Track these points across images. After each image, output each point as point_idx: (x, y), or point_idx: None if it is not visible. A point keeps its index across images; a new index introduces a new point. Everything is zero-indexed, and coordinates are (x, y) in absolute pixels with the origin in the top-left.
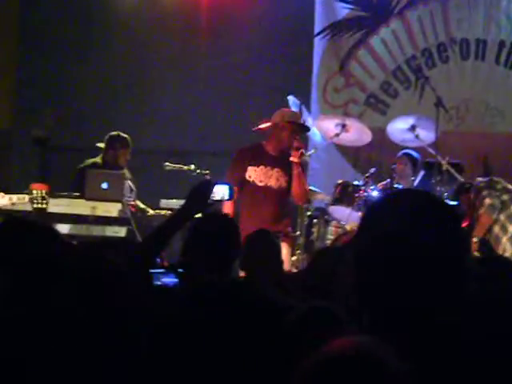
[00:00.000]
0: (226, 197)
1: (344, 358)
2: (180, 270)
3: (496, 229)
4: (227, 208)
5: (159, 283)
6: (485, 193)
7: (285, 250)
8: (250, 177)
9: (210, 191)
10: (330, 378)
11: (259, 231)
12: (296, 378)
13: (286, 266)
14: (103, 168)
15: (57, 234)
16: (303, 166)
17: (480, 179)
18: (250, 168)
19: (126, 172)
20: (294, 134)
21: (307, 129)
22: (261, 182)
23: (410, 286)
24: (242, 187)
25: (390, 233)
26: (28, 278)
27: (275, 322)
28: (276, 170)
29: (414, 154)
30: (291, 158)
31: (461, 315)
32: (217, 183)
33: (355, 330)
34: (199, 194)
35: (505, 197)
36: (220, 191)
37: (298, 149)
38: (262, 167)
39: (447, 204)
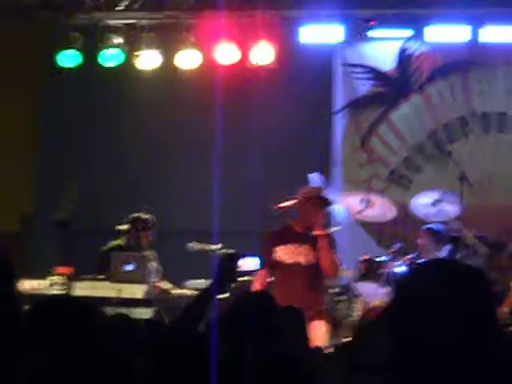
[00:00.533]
0: (258, 266)
1: None
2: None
3: None
4: (260, 279)
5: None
6: None
7: (323, 327)
8: (279, 257)
9: (235, 264)
10: None
11: (286, 308)
12: None
13: (323, 343)
14: (127, 250)
15: (90, 311)
16: (330, 239)
17: None
18: (277, 249)
19: (151, 253)
20: (316, 209)
21: (329, 203)
22: (289, 259)
23: (446, 366)
24: (273, 269)
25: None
26: (66, 357)
27: None
28: (304, 246)
29: (437, 228)
30: (314, 232)
31: None
32: (245, 255)
33: None
34: (225, 269)
35: None
36: (250, 263)
37: (317, 222)
38: (289, 245)
39: (475, 271)
